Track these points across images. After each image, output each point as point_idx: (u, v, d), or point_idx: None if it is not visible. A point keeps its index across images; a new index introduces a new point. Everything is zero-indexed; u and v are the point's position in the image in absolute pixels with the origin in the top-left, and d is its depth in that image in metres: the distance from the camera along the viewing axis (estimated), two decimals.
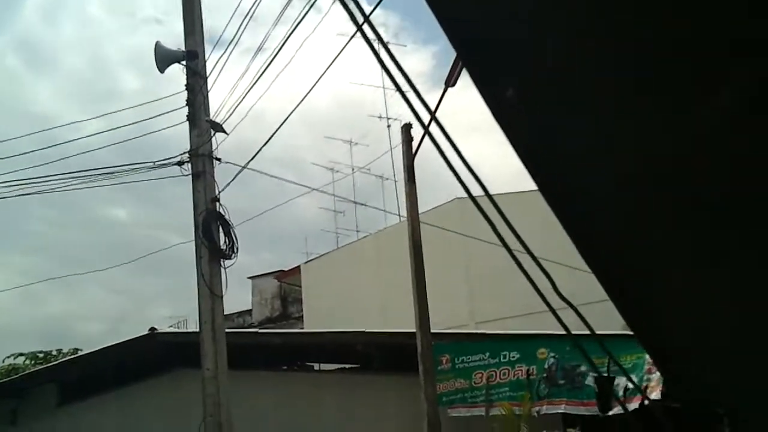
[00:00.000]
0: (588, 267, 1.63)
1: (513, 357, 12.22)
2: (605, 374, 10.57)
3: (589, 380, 11.45)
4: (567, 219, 1.53)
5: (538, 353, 12.04)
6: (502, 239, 1.90)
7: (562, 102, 1.38)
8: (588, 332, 2.04)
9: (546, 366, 11.92)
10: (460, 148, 1.85)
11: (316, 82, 9.26)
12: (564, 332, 2.26)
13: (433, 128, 1.94)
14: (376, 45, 2.22)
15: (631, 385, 9.87)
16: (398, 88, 2.05)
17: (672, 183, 1.45)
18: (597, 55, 1.29)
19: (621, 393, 10.33)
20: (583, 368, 11.45)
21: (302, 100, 9.61)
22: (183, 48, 9.94)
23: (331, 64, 8.88)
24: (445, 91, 9.17)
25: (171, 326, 23.41)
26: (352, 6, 1.90)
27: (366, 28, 1.96)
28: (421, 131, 10.85)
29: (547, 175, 1.48)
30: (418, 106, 2.02)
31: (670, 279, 1.65)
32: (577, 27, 1.25)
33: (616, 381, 10.46)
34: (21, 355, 29.61)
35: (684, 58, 1.24)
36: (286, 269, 30.61)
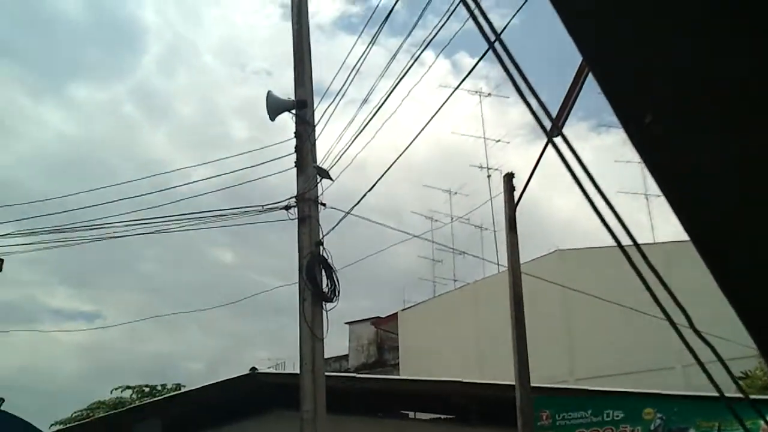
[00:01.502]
0: (736, 314, 1.58)
1: (617, 416, 11.77)
2: None
3: None
4: (715, 258, 1.49)
5: (643, 413, 11.56)
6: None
7: (706, 128, 1.34)
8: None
9: (652, 428, 11.41)
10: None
11: (420, 132, 9.42)
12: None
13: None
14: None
15: None
16: (526, 103, 2.10)
17: None
18: (740, 73, 1.26)
19: None
20: (691, 431, 10.93)
21: (406, 149, 9.77)
22: (292, 97, 10.32)
23: (435, 114, 9.03)
24: (549, 141, 9.11)
25: (269, 368, 23.83)
26: (484, 24, 1.96)
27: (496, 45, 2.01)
28: (522, 182, 10.80)
29: (694, 212, 1.44)
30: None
31: None
32: (718, 48, 1.23)
33: None
34: (128, 388, 30.81)
35: None
36: (383, 316, 30.74)
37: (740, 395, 3.59)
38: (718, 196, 1.45)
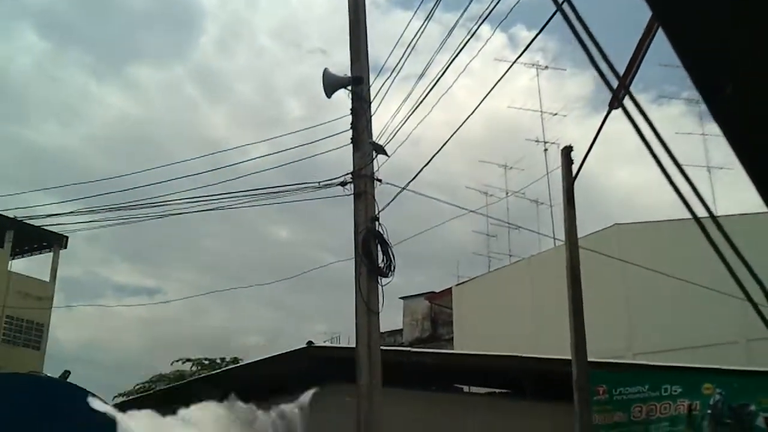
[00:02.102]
0: None
1: (675, 391, 11.62)
2: None
3: (760, 421, 10.70)
4: None
5: (703, 388, 11.39)
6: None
7: None
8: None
9: (711, 402, 11.25)
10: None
11: (476, 107, 9.37)
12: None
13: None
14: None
15: None
16: (595, 65, 2.07)
17: None
18: None
19: None
20: (752, 407, 10.73)
21: (462, 124, 9.74)
22: (348, 74, 10.36)
23: (492, 89, 8.98)
24: (608, 113, 8.99)
25: (325, 342, 24.20)
26: None
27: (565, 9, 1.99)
28: (578, 155, 10.65)
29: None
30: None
31: None
32: None
33: None
34: (188, 360, 31.71)
35: None
36: (437, 291, 30.81)
37: None
38: None
